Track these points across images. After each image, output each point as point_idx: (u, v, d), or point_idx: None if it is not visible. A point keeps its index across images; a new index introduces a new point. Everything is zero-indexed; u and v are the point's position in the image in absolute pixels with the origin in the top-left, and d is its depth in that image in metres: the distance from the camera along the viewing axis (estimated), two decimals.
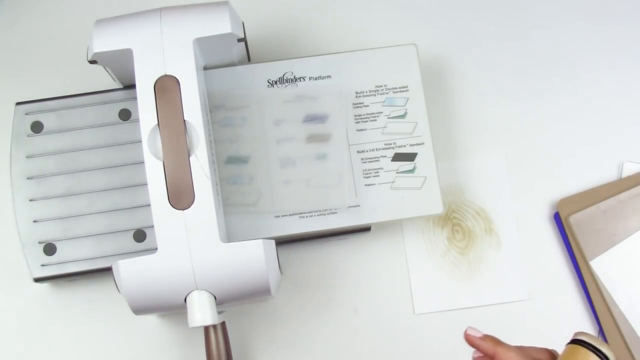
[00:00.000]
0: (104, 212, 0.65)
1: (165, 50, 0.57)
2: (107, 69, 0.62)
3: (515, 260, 0.70)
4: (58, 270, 0.64)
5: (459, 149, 0.73)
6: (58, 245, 0.64)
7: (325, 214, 0.64)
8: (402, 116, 0.66)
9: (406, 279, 0.70)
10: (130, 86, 0.66)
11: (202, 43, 0.59)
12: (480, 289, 0.70)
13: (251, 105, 0.66)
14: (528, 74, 0.75)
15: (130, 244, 0.64)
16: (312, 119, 0.66)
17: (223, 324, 0.64)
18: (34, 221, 0.65)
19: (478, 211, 0.71)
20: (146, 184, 0.56)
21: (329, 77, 0.67)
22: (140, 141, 0.56)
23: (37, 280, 0.64)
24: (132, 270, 0.57)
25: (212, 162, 0.59)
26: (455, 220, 0.71)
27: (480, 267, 0.70)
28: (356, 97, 0.67)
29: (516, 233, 0.71)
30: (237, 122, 0.65)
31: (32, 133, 0.66)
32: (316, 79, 0.67)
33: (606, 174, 0.72)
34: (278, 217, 0.64)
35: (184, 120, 0.57)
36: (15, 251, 0.65)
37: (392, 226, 0.71)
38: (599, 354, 0.51)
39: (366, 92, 0.67)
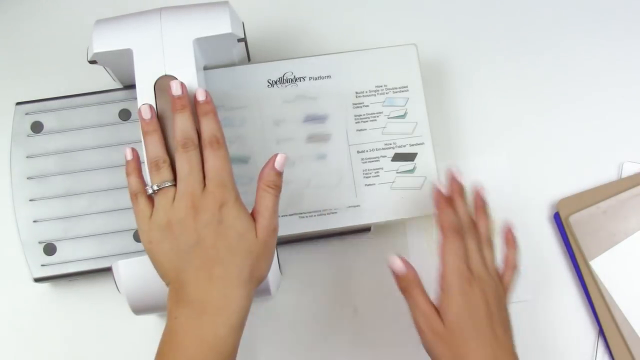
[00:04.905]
0: (104, 212, 0.65)
1: (165, 51, 0.57)
2: (107, 69, 0.62)
3: None
4: (58, 270, 0.64)
5: (459, 149, 0.73)
6: (58, 245, 0.64)
7: (325, 214, 0.64)
8: (402, 116, 0.66)
9: None
10: (130, 86, 0.66)
11: (202, 43, 0.59)
12: None
13: (251, 105, 0.66)
14: (528, 74, 0.75)
15: (130, 244, 0.64)
16: (312, 119, 0.66)
17: None
18: (34, 221, 0.65)
19: None
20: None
21: (329, 77, 0.67)
22: (140, 141, 0.56)
23: (37, 280, 0.64)
24: (132, 270, 0.57)
25: None
26: None
27: None
28: (356, 97, 0.67)
29: (518, 233, 0.71)
30: (237, 122, 0.65)
31: (32, 133, 0.66)
32: (316, 79, 0.67)
33: (606, 174, 0.72)
34: (278, 217, 0.64)
35: None
36: (15, 251, 0.65)
37: (392, 226, 0.71)
38: None
39: (366, 92, 0.67)
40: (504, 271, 0.61)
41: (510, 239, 0.63)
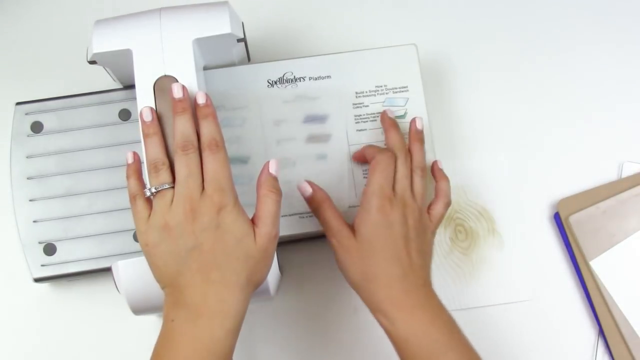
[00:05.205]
0: (104, 212, 0.65)
1: (164, 51, 0.57)
2: (107, 69, 0.62)
3: (517, 261, 0.70)
4: (58, 270, 0.64)
5: (459, 149, 0.73)
6: (58, 245, 0.64)
7: None
8: (402, 116, 0.66)
9: None
10: (130, 86, 0.66)
11: (201, 43, 0.59)
12: (482, 289, 0.69)
13: (251, 105, 0.66)
14: (528, 74, 0.75)
15: (130, 244, 0.64)
16: (312, 119, 0.66)
17: None
18: (34, 221, 0.65)
19: (481, 211, 0.71)
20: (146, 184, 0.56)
21: (329, 77, 0.67)
22: (140, 141, 0.56)
23: (37, 280, 0.64)
24: (132, 270, 0.57)
25: None
26: (458, 221, 0.71)
27: (483, 268, 0.70)
28: (356, 97, 0.67)
29: (518, 233, 0.71)
30: (237, 122, 0.66)
31: (32, 133, 0.66)
32: (316, 79, 0.67)
33: (606, 174, 0.72)
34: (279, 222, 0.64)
35: None
36: (15, 251, 0.65)
37: None
38: None
39: (366, 92, 0.67)
40: (435, 202, 0.61)
41: (437, 172, 0.63)
